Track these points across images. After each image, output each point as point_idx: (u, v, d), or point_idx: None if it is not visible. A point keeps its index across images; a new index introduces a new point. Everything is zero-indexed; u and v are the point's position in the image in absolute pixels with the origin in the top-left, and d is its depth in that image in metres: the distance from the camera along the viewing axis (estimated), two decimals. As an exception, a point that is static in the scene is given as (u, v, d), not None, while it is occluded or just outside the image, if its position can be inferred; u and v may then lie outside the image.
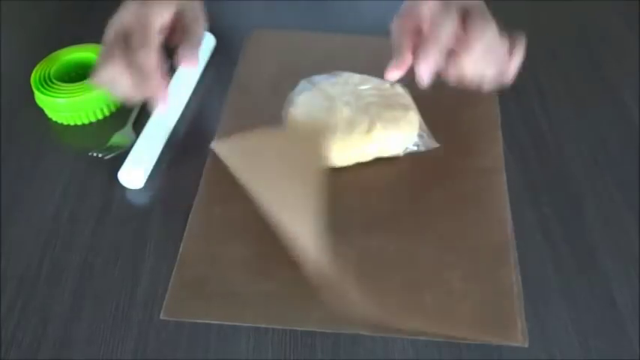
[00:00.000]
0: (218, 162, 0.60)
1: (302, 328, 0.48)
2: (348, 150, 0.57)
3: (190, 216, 0.56)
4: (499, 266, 0.51)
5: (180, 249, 0.53)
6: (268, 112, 0.64)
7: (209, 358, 0.47)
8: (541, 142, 0.62)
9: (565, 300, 0.50)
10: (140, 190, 0.59)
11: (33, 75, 0.66)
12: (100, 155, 0.61)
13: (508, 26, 0.76)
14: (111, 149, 0.61)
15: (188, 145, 0.63)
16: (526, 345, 0.47)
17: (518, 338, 0.47)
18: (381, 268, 0.51)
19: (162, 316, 0.49)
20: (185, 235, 0.54)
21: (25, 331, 0.49)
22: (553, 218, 0.55)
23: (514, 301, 0.49)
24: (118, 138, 0.63)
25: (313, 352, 0.47)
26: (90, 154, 0.61)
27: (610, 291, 0.50)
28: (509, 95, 0.66)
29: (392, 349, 0.47)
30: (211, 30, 0.73)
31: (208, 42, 0.72)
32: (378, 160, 0.58)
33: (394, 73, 0.54)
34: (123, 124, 0.64)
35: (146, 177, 0.59)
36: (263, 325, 0.48)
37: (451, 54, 0.53)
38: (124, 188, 0.58)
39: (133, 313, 0.49)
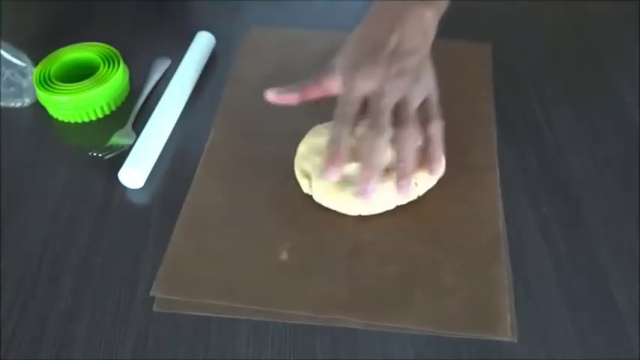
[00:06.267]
0: (213, 153, 0.60)
1: (292, 312, 0.49)
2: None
3: (183, 206, 0.56)
4: (489, 262, 0.51)
5: (171, 238, 0.54)
6: (263, 111, 0.64)
7: (208, 358, 0.47)
8: (541, 141, 0.62)
9: (565, 300, 0.50)
10: (140, 190, 0.59)
11: (34, 74, 0.66)
12: (100, 155, 0.61)
13: (508, 26, 0.77)
14: (111, 149, 0.61)
15: (188, 145, 0.63)
16: (515, 340, 0.47)
17: (507, 333, 0.47)
18: (372, 262, 0.52)
19: (151, 293, 0.50)
20: (177, 224, 0.55)
21: (25, 331, 0.49)
22: (552, 218, 0.55)
23: (504, 296, 0.49)
24: (118, 138, 0.63)
25: (312, 352, 0.47)
26: (90, 153, 0.61)
27: (610, 291, 0.50)
28: (509, 95, 0.66)
29: (391, 349, 0.47)
30: (211, 29, 0.73)
31: (208, 41, 0.72)
32: None
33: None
34: (123, 124, 0.64)
35: (146, 177, 0.59)
36: (253, 307, 0.49)
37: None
38: (124, 188, 0.58)
39: (133, 313, 0.49)
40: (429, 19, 0.57)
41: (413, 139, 0.52)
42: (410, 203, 0.55)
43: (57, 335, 0.48)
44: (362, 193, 0.52)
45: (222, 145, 0.62)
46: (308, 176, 0.56)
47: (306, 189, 0.56)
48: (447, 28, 0.63)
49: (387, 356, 0.47)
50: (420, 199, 0.55)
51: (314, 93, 0.58)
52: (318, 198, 0.55)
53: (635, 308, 0.49)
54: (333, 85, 0.56)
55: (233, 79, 0.69)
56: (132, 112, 0.65)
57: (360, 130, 0.53)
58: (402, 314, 0.48)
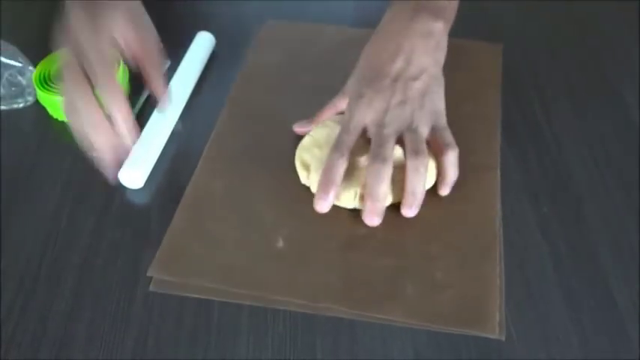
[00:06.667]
0: (219, 140, 0.61)
1: (283, 298, 0.49)
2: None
3: (187, 189, 0.57)
4: (483, 260, 0.51)
5: (172, 220, 0.55)
6: (273, 102, 0.66)
7: (208, 358, 0.47)
8: (541, 141, 0.62)
9: (565, 300, 0.50)
10: (140, 190, 0.58)
11: (34, 74, 0.66)
12: (100, 155, 0.61)
13: (509, 26, 0.77)
14: (111, 149, 0.61)
15: (188, 145, 0.63)
16: (503, 338, 0.47)
17: (495, 330, 0.47)
18: (366, 255, 0.52)
19: (149, 273, 0.50)
20: (179, 206, 0.56)
21: (25, 331, 0.49)
22: (553, 218, 0.55)
23: (494, 294, 0.49)
24: (118, 138, 0.63)
25: (312, 352, 0.47)
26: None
27: (610, 291, 0.50)
28: (510, 95, 0.66)
29: (391, 349, 0.47)
30: (211, 29, 0.73)
31: (208, 41, 0.72)
32: None
33: (298, 129, 0.56)
34: (123, 124, 0.64)
35: (146, 177, 0.59)
36: (246, 292, 0.50)
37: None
38: (124, 188, 0.58)
39: (133, 313, 0.49)
40: (437, 33, 0.57)
41: (424, 169, 0.52)
42: None
43: (57, 335, 0.48)
44: (368, 222, 0.52)
45: (228, 133, 0.63)
46: (307, 168, 0.56)
47: (303, 180, 0.56)
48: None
49: (387, 356, 0.47)
50: (425, 196, 0.55)
51: (330, 115, 0.59)
52: (315, 190, 0.55)
53: (635, 308, 0.49)
54: (339, 102, 0.59)
55: (245, 69, 0.70)
56: (132, 112, 0.65)
57: (363, 160, 0.54)
58: (391, 306, 0.49)
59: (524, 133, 0.63)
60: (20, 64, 0.67)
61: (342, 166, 0.52)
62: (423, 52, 0.56)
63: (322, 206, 0.53)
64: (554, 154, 0.61)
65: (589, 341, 0.47)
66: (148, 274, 0.51)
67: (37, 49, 0.69)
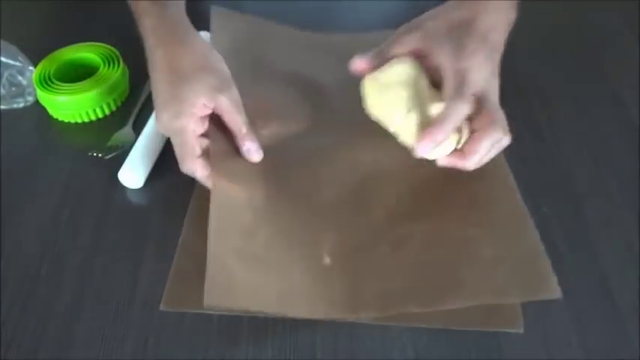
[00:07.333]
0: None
1: (354, 316, 0.48)
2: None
3: (191, 203, 0.56)
4: (520, 230, 0.51)
5: (181, 237, 0.53)
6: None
7: (208, 358, 0.47)
8: (541, 141, 0.62)
9: (565, 300, 0.49)
10: (140, 190, 0.58)
11: (34, 74, 0.66)
12: (100, 155, 0.61)
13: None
14: (111, 149, 0.61)
15: (188, 145, 0.63)
16: (560, 296, 0.46)
17: (557, 290, 0.46)
18: (413, 252, 0.51)
19: (161, 307, 0.49)
20: (185, 223, 0.54)
21: (25, 331, 0.49)
22: (553, 218, 0.55)
23: (544, 257, 0.49)
24: (118, 138, 0.63)
25: (312, 352, 0.47)
26: (90, 153, 0.61)
27: (610, 291, 0.50)
28: (510, 95, 0.66)
29: (390, 350, 0.47)
30: (210, 29, 0.73)
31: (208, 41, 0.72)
32: None
33: (359, 64, 0.55)
34: (123, 124, 0.64)
35: (146, 177, 0.59)
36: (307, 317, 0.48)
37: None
38: (124, 188, 0.58)
39: (133, 313, 0.49)
40: (510, 19, 0.58)
41: (500, 147, 0.52)
42: (434, 189, 0.55)
43: (57, 335, 0.48)
44: (421, 146, 0.51)
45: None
46: (393, 111, 0.53)
47: (393, 127, 0.54)
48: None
49: (386, 356, 0.47)
50: (442, 184, 0.55)
51: (400, 53, 0.56)
52: (408, 135, 0.53)
53: (635, 308, 0.49)
54: (414, 41, 0.55)
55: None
56: (132, 112, 0.65)
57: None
58: (458, 293, 0.48)
59: (524, 132, 0.63)
60: (20, 64, 0.67)
61: (462, 118, 0.51)
62: (498, 24, 0.56)
63: (427, 147, 0.51)
64: (554, 153, 0.61)
65: (589, 341, 0.47)
66: (206, 302, 0.43)
67: (37, 49, 0.69)
